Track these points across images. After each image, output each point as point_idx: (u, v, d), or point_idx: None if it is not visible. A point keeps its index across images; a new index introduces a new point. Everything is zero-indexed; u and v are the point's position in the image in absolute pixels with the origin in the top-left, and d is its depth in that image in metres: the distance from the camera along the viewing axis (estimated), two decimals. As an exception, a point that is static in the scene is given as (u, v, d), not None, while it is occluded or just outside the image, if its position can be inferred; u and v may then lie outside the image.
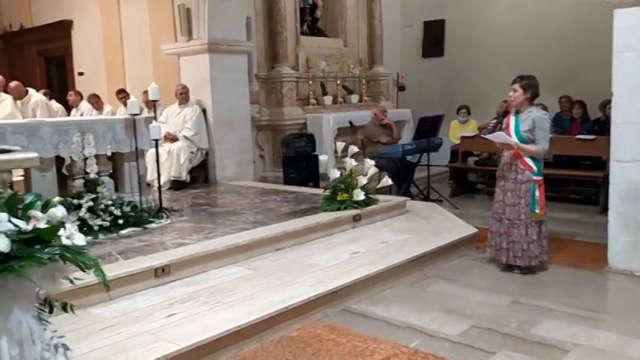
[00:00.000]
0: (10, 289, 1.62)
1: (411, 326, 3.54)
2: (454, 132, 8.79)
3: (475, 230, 5.27)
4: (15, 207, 1.77)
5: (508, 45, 9.71)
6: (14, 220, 1.68)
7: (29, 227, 1.67)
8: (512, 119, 4.49)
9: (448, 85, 10.59)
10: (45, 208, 1.81)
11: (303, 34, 9.24)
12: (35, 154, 2.10)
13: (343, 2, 9.82)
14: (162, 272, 3.84)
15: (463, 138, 8.01)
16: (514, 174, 4.42)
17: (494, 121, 4.61)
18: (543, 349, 3.19)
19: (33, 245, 1.67)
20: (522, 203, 4.39)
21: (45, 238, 1.70)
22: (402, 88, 11.05)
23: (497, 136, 4.45)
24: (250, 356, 3.17)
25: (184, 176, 7.15)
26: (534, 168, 4.39)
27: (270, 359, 3.13)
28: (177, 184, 7.06)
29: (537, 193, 4.38)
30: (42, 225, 1.70)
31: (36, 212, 1.74)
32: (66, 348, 2.02)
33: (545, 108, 7.89)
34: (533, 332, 3.41)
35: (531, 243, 4.41)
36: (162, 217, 5.12)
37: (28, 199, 1.84)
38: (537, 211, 4.37)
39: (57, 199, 1.87)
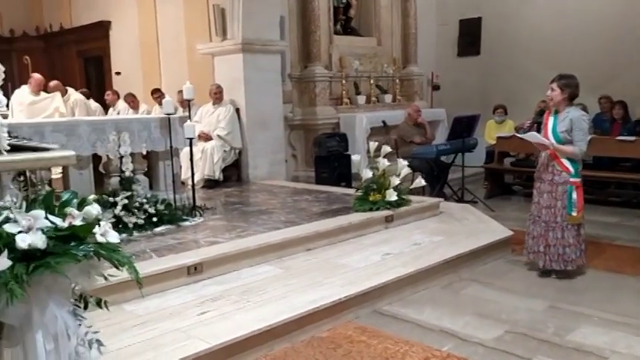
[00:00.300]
0: (46, 285, 1.64)
1: (443, 330, 3.48)
2: (490, 132, 8.62)
3: (511, 233, 5.16)
4: (52, 204, 1.80)
5: (546, 43, 9.48)
6: (51, 217, 1.70)
7: (65, 224, 1.70)
8: (550, 119, 4.38)
9: (484, 84, 10.41)
10: (81, 205, 1.83)
11: (336, 33, 9.21)
12: (72, 153, 2.13)
13: (377, 1, 9.76)
14: (194, 270, 3.87)
15: (499, 138, 7.85)
16: (550, 175, 4.31)
17: (530, 120, 4.52)
18: (580, 355, 3.10)
19: (69, 242, 1.69)
20: (558, 205, 4.28)
21: (80, 235, 1.72)
22: (436, 88, 10.93)
23: (531, 136, 4.35)
24: (280, 356, 3.17)
25: (217, 175, 7.21)
26: (571, 170, 4.27)
27: (300, 359, 3.12)
28: (210, 183, 7.13)
29: (574, 196, 4.26)
30: (78, 222, 1.72)
31: (72, 210, 1.76)
32: (100, 343, 2.04)
33: (584, 108, 7.70)
34: (570, 338, 3.31)
35: (567, 246, 4.29)
36: (195, 216, 5.17)
37: (65, 196, 1.87)
38: (574, 214, 4.25)
39: (92, 197, 1.90)
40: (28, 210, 1.72)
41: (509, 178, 8.30)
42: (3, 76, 1.74)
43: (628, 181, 6.94)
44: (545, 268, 4.39)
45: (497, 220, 5.65)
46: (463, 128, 7.10)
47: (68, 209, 1.78)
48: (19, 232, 1.63)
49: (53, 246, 1.66)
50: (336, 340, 3.35)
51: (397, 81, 9.84)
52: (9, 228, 1.63)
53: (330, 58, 8.92)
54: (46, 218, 1.69)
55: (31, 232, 1.63)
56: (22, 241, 1.59)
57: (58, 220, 1.71)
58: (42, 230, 1.66)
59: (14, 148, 1.86)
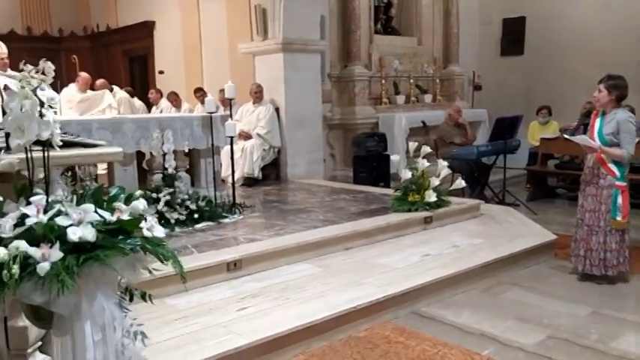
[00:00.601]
0: (95, 277, 1.69)
1: (483, 333, 3.43)
2: (533, 133, 8.44)
3: (554, 237, 5.04)
4: (101, 199, 1.85)
5: (592, 42, 9.21)
6: (100, 211, 1.75)
7: (114, 218, 1.74)
8: (597, 121, 4.26)
9: (528, 84, 10.18)
10: (128, 200, 1.88)
11: (376, 32, 9.18)
12: (119, 149, 2.19)
13: (419, 0, 9.67)
14: (234, 267, 3.93)
15: (543, 140, 7.68)
16: (596, 178, 4.20)
17: (576, 121, 4.41)
18: (626, 364, 3.01)
19: (116, 236, 1.74)
20: (602, 209, 4.17)
21: (127, 229, 1.76)
22: (478, 88, 10.76)
23: (580, 139, 4.25)
24: (318, 354, 3.18)
25: (257, 173, 7.28)
26: (617, 173, 4.15)
27: (338, 357, 3.13)
28: (249, 181, 7.21)
29: (620, 200, 4.14)
30: (125, 217, 1.77)
31: (120, 204, 1.81)
32: (144, 335, 2.09)
33: (632, 110, 7.45)
34: (614, 345, 3.22)
35: (609, 251, 4.18)
36: (235, 213, 5.24)
37: (113, 191, 1.92)
38: (619, 218, 4.13)
39: (139, 192, 1.94)
40: (78, 204, 1.78)
41: (552, 181, 8.10)
42: (53, 74, 1.79)
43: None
44: (585, 272, 4.29)
45: (540, 223, 5.53)
46: (505, 129, 6.98)
47: (116, 204, 1.83)
48: (70, 225, 1.68)
49: (102, 239, 1.70)
50: (373, 340, 3.34)
51: (437, 81, 9.74)
52: (61, 221, 1.68)
53: (370, 57, 8.90)
54: (96, 212, 1.74)
55: (81, 225, 1.68)
56: (73, 234, 1.64)
57: (106, 214, 1.76)
58: (91, 224, 1.71)
59: (65, 144, 1.92)
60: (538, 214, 6.50)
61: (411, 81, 9.32)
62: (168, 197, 4.77)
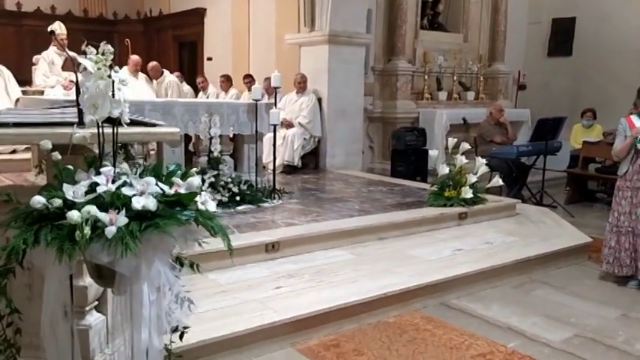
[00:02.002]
0: (154, 243, 1.87)
1: (510, 327, 3.51)
2: (576, 136, 8.34)
3: (589, 240, 5.06)
4: (160, 174, 2.04)
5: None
6: (160, 184, 1.93)
7: (172, 191, 1.92)
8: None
9: (574, 86, 10.04)
10: (184, 176, 2.06)
11: (422, 28, 9.21)
12: (177, 129, 2.37)
13: (467, -3, 9.65)
14: (272, 248, 4.11)
15: (585, 143, 7.60)
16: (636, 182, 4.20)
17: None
18: (651, 367, 3.06)
19: (174, 207, 1.91)
20: (638, 213, 4.17)
21: (184, 202, 1.94)
22: (522, 87, 10.65)
23: None
24: (349, 335, 3.33)
25: (296, 161, 7.46)
26: None
27: (367, 340, 3.27)
28: (289, 169, 7.39)
29: None
30: (182, 191, 1.95)
31: (177, 179, 1.99)
32: (190, 302, 2.27)
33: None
34: (641, 348, 3.27)
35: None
36: (274, 198, 5.42)
37: (171, 167, 2.11)
38: None
39: (194, 169, 2.12)
40: (140, 177, 1.97)
41: (592, 185, 8.01)
42: (112, 57, 1.96)
43: None
44: (615, 275, 4.34)
45: (576, 226, 5.54)
46: (547, 130, 6.95)
47: (174, 179, 2.01)
48: (134, 195, 1.87)
49: (161, 209, 1.88)
50: (402, 327, 3.48)
51: (481, 78, 9.71)
52: (126, 191, 1.87)
53: (415, 52, 8.94)
54: (157, 185, 1.92)
55: (143, 195, 1.87)
56: (137, 203, 1.82)
57: (165, 187, 1.94)
58: (152, 195, 1.89)
59: (131, 122, 2.10)
60: (575, 216, 6.48)
61: (455, 78, 9.32)
62: (212, 179, 4.99)
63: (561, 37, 10.30)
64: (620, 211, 4.36)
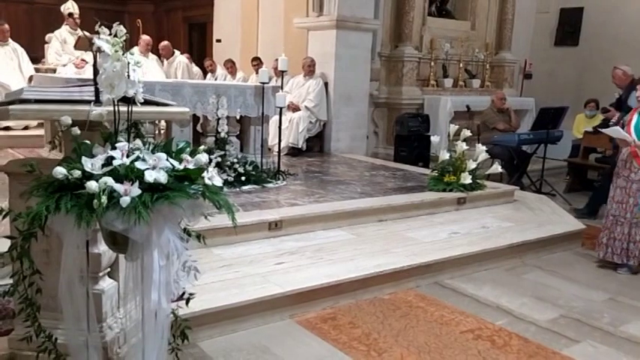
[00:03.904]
0: (164, 214, 2.03)
1: (500, 307, 3.68)
2: (579, 126, 8.44)
3: (583, 227, 5.21)
4: (170, 150, 2.20)
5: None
6: (170, 159, 2.09)
7: (181, 167, 2.08)
8: (635, 116, 4.37)
9: (580, 76, 10.10)
10: (193, 153, 2.22)
11: (430, 14, 9.27)
12: (187, 109, 2.53)
13: (475, -16, 9.69)
14: (275, 226, 4.28)
15: (587, 133, 7.69)
16: (627, 172, 4.34)
17: (617, 115, 4.49)
18: (630, 345, 3.22)
19: (183, 181, 2.07)
20: (630, 202, 4.32)
21: (192, 177, 2.10)
22: (528, 76, 10.71)
23: (613, 131, 4.36)
24: (345, 309, 3.51)
25: (301, 144, 7.61)
26: None
27: (362, 314, 3.45)
28: (294, 151, 7.54)
29: None
30: (191, 166, 2.11)
31: (186, 156, 2.15)
32: (197, 270, 2.44)
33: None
34: (624, 329, 3.42)
35: (633, 243, 4.35)
36: (279, 179, 5.59)
37: (180, 145, 2.26)
38: None
39: (202, 147, 2.28)
40: (152, 153, 2.13)
41: (592, 175, 8.12)
42: (124, 37, 2.09)
43: None
44: (606, 260, 4.47)
45: (573, 214, 5.67)
46: (549, 120, 7.06)
47: (183, 155, 2.17)
48: (147, 168, 2.03)
49: (171, 183, 2.04)
50: (396, 303, 3.65)
51: (487, 66, 9.78)
52: (139, 165, 2.03)
53: (422, 39, 9.02)
54: (167, 160, 2.08)
55: (155, 169, 2.03)
56: (150, 176, 1.98)
57: (175, 163, 2.10)
58: (163, 169, 2.05)
59: (144, 101, 2.26)
60: (573, 205, 6.60)
61: (461, 65, 9.40)
62: (219, 159, 5.15)
63: (568, 27, 10.33)
64: (610, 195, 4.52)
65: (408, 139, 7.80)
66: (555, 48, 10.64)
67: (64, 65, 7.40)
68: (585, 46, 10.17)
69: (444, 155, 5.63)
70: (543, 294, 3.94)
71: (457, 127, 5.77)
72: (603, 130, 4.44)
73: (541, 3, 10.82)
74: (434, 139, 6.04)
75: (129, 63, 2.08)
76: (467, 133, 5.68)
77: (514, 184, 6.79)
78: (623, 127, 4.52)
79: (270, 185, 5.40)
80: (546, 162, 7.24)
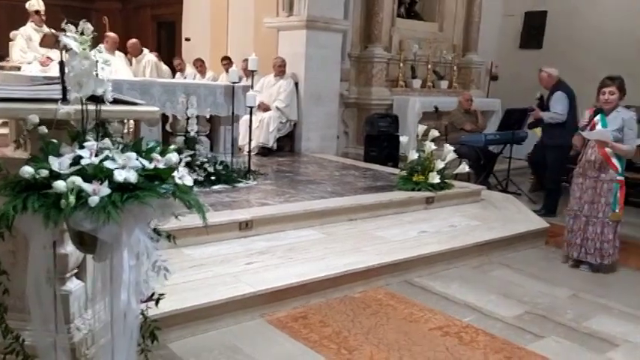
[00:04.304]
0: (134, 213, 2.02)
1: (467, 304, 3.75)
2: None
3: (547, 225, 5.34)
4: (140, 149, 2.18)
5: (609, 44, 9.35)
6: (140, 159, 2.08)
7: (151, 166, 2.07)
8: (598, 118, 4.49)
9: (543, 78, 10.33)
10: (163, 153, 2.20)
11: (399, 16, 9.38)
12: (156, 108, 2.51)
13: (443, -13, 9.84)
14: (245, 226, 4.27)
15: (550, 133, 7.88)
16: (596, 172, 4.45)
17: (587, 119, 4.54)
18: (593, 340, 3.32)
19: (153, 181, 2.06)
20: (602, 202, 4.44)
21: (162, 176, 2.09)
22: (494, 78, 10.91)
23: (597, 134, 4.43)
24: (315, 308, 3.53)
25: (272, 144, 7.61)
26: (619, 168, 4.43)
27: (333, 313, 3.48)
28: (264, 151, 7.53)
29: (619, 194, 4.42)
30: (161, 166, 2.10)
31: (157, 155, 2.14)
32: (166, 270, 2.43)
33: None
34: (587, 325, 3.53)
35: (606, 242, 4.46)
36: (249, 179, 5.58)
37: (150, 144, 2.25)
38: (617, 211, 4.42)
39: (173, 146, 2.27)
40: (122, 152, 2.11)
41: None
42: (91, 35, 2.07)
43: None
44: (579, 259, 4.58)
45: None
46: (514, 120, 7.21)
47: (154, 154, 2.15)
48: (116, 168, 2.01)
49: (141, 182, 2.02)
50: (366, 301, 3.69)
51: (455, 68, 9.93)
52: (108, 164, 2.01)
53: (391, 40, 9.11)
54: (137, 160, 2.06)
55: (125, 169, 2.02)
56: (119, 175, 1.96)
57: (145, 162, 2.09)
58: (133, 169, 2.04)
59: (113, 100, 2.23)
60: (537, 203, 6.77)
61: (429, 66, 9.52)
62: (188, 159, 5.04)
63: (533, 30, 10.59)
64: (573, 195, 4.64)
65: (378, 139, 7.88)
66: (520, 50, 10.87)
67: (29, 63, 7.24)
68: (549, 48, 10.42)
69: (413, 155, 5.71)
70: (509, 291, 4.03)
71: (425, 127, 5.85)
72: (587, 134, 4.47)
73: (507, 6, 11.05)
74: (403, 139, 6.12)
75: (97, 61, 2.06)
76: (435, 133, 5.77)
77: (481, 183, 6.92)
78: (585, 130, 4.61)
79: (240, 185, 5.38)
80: (512, 162, 7.39)
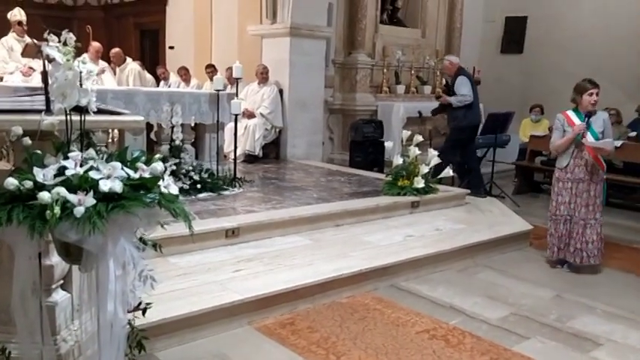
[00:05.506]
0: (119, 223, 2.02)
1: (453, 307, 3.79)
2: (525, 130, 8.78)
3: (531, 227, 5.41)
4: (125, 159, 2.19)
5: (590, 47, 9.53)
6: (125, 169, 2.08)
7: (137, 175, 2.08)
8: (578, 120, 4.55)
9: (525, 82, 10.51)
10: (148, 162, 2.21)
11: (382, 22, 9.46)
12: (141, 118, 2.52)
13: (425, -6, 9.95)
14: (232, 234, 4.28)
15: (533, 137, 8.00)
16: (589, 175, 4.51)
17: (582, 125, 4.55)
18: (577, 340, 3.37)
19: (139, 190, 2.07)
20: (598, 202, 4.55)
21: (148, 185, 2.09)
22: (477, 83, 11.00)
23: (605, 143, 4.47)
24: (303, 314, 3.54)
25: (257, 151, 7.61)
26: (605, 166, 4.56)
27: (320, 318, 3.49)
28: (250, 158, 7.54)
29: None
30: (146, 175, 2.10)
31: (142, 165, 2.14)
32: (153, 279, 2.43)
33: (618, 113, 7.79)
34: (570, 325, 3.58)
35: (591, 242, 4.54)
36: (235, 186, 5.58)
37: (135, 154, 2.25)
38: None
39: (158, 155, 2.28)
40: (107, 162, 2.12)
41: (539, 177, 8.44)
42: (73, 45, 2.07)
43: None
44: (566, 260, 4.64)
45: (521, 215, 5.89)
46: (497, 124, 7.29)
47: (139, 164, 2.16)
48: (101, 178, 2.01)
49: (127, 192, 2.03)
50: (354, 306, 3.71)
51: (438, 73, 10.02)
52: (93, 174, 2.01)
53: (374, 46, 9.19)
54: (122, 169, 2.07)
55: (110, 179, 2.02)
56: (104, 185, 1.96)
57: (131, 172, 2.09)
58: (118, 178, 2.04)
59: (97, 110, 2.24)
60: (521, 206, 6.86)
61: (412, 72, 9.61)
62: (173, 167, 5.10)
63: (513, 35, 10.75)
64: (560, 200, 4.64)
65: (363, 145, 7.92)
66: (502, 55, 11.03)
67: (11, 73, 7.18)
68: (529, 53, 10.59)
69: (398, 160, 5.76)
70: (494, 293, 4.07)
71: (410, 132, 5.90)
72: (594, 143, 4.46)
73: (487, 12, 11.20)
74: (388, 144, 6.17)
75: (81, 72, 2.07)
76: (419, 138, 5.83)
77: (465, 187, 6.98)
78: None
79: (226, 193, 5.38)
80: (495, 165, 7.47)
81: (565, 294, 4.14)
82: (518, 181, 8.14)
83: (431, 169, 5.77)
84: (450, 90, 7.20)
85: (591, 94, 4.50)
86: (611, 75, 8.38)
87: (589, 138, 4.48)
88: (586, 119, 4.50)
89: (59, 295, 2.50)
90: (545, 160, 7.96)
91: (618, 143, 4.54)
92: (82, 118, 2.13)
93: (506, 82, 10.75)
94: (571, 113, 4.59)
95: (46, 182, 1.97)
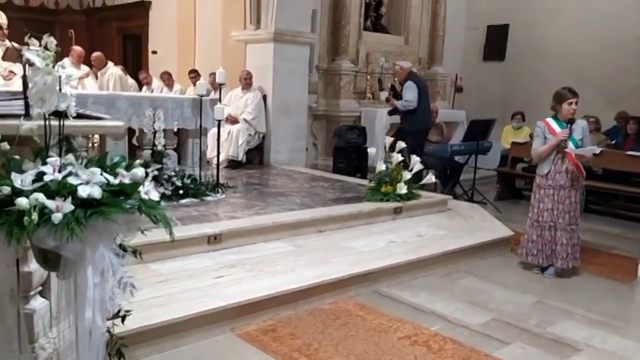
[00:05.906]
0: (98, 230, 2.00)
1: (435, 312, 3.81)
2: (506, 137, 8.87)
3: (512, 233, 5.46)
4: (105, 165, 2.17)
5: (570, 55, 9.69)
6: (105, 174, 2.07)
7: (116, 181, 2.06)
8: (559, 128, 4.60)
9: (506, 89, 10.63)
10: (128, 168, 2.19)
11: (366, 29, 9.52)
12: (122, 123, 2.50)
13: (408, 1, 10.05)
14: (214, 240, 4.25)
15: (514, 144, 8.09)
16: (570, 181, 4.57)
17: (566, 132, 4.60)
18: (557, 345, 3.40)
19: (118, 196, 2.05)
20: (578, 208, 4.62)
21: (128, 191, 2.07)
22: (459, 90, 11.15)
23: (589, 150, 4.55)
24: (285, 321, 3.53)
25: (241, 157, 7.59)
26: (584, 173, 4.63)
27: (302, 325, 3.48)
28: (233, 164, 7.51)
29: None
30: (126, 181, 2.08)
31: (122, 170, 2.13)
32: (133, 286, 2.41)
33: (597, 121, 7.92)
34: (550, 330, 3.62)
35: (572, 246, 4.62)
36: (218, 192, 5.55)
37: (115, 159, 2.24)
38: None
39: (138, 161, 2.26)
40: (86, 167, 2.10)
41: (520, 183, 8.53)
42: (55, 49, 2.05)
43: (636, 195, 7.12)
44: (547, 265, 4.69)
45: (502, 221, 5.94)
46: (478, 131, 7.37)
47: (119, 170, 2.14)
48: (80, 184, 1.99)
49: (106, 198, 2.01)
50: (336, 313, 3.70)
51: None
52: (72, 180, 1.99)
53: (358, 53, 9.24)
54: (101, 175, 2.05)
55: (89, 184, 2.00)
56: (83, 191, 1.94)
57: (110, 177, 2.07)
58: (97, 184, 2.02)
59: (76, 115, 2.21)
60: (502, 212, 6.92)
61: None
62: (156, 173, 5.02)
63: (495, 42, 10.88)
64: (543, 207, 4.66)
65: (346, 151, 7.95)
66: (484, 63, 11.16)
67: (-9, 77, 7.08)
68: (511, 60, 10.73)
69: (381, 166, 5.78)
70: (475, 298, 4.10)
71: (392, 139, 5.93)
72: (577, 151, 4.51)
73: (470, 20, 11.32)
74: (371, 150, 6.20)
75: (60, 77, 2.05)
76: (401, 144, 5.85)
77: (447, 193, 7.04)
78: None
79: (209, 198, 5.35)
80: (477, 172, 7.54)
81: (545, 299, 4.18)
82: (499, 188, 8.22)
83: (413, 175, 5.80)
84: (396, 94, 7.50)
85: (570, 104, 4.55)
86: (591, 82, 8.53)
87: (569, 145, 4.54)
88: (568, 126, 4.55)
89: (37, 303, 2.46)
90: (526, 166, 8.04)
91: (598, 150, 4.58)
92: (61, 123, 2.11)
93: (488, 89, 10.87)
94: (551, 121, 4.65)
95: (24, 188, 1.95)
